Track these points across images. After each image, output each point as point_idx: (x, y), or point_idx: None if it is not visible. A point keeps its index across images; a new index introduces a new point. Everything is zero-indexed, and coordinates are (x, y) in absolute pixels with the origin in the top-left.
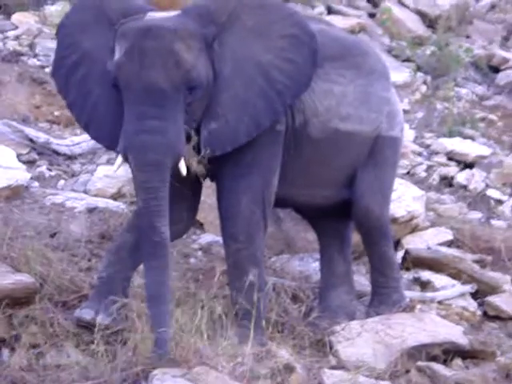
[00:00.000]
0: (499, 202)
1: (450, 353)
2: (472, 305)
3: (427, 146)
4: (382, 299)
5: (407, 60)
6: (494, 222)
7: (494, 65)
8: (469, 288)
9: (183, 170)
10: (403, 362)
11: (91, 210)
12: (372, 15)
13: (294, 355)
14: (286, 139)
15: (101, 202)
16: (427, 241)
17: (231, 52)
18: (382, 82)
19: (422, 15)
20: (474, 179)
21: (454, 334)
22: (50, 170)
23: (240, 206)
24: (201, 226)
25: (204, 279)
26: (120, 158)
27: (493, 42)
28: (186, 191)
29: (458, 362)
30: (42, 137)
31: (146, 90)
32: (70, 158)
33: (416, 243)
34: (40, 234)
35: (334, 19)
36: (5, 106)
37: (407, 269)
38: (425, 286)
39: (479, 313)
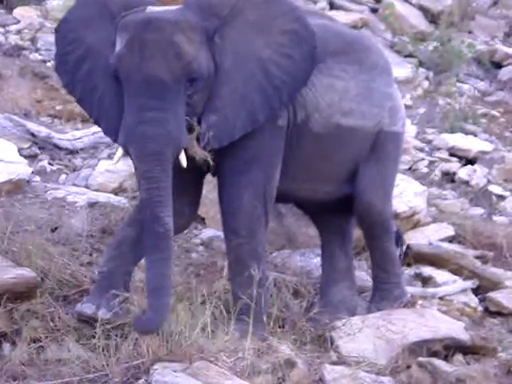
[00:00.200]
0: (501, 197)
1: (451, 348)
2: (473, 301)
3: (429, 142)
4: (383, 295)
5: (409, 55)
6: (495, 217)
7: (497, 60)
8: (470, 284)
9: (183, 162)
10: (404, 358)
11: (92, 205)
12: (374, 10)
13: (295, 350)
14: (288, 134)
15: (102, 197)
16: (429, 236)
17: (232, 46)
18: (385, 77)
19: (424, 11)
20: (476, 175)
21: (455, 329)
22: (51, 164)
23: (241, 200)
24: (202, 220)
25: (205, 274)
26: (120, 151)
27: (495, 37)
28: (187, 186)
29: (459, 357)
30: (43, 131)
31: (147, 82)
32: (72, 152)
33: (418, 239)
34: (41, 229)
35: (337, 14)
36: (6, 101)
37: (408, 264)
38: (426, 281)
39: (480, 309)
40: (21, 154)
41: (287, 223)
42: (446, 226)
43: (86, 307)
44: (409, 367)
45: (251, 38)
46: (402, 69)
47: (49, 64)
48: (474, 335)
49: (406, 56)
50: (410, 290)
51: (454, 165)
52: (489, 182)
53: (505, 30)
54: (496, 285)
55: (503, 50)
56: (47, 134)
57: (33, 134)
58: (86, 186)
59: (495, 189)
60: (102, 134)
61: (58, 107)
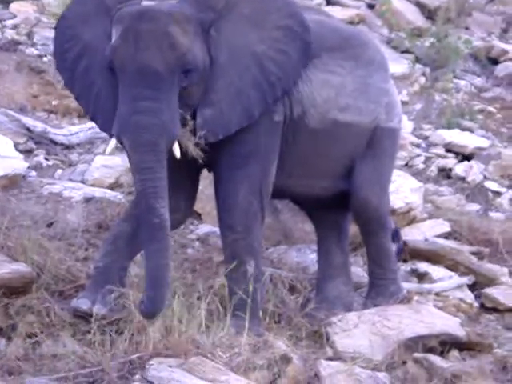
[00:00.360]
0: (497, 193)
1: (446, 344)
2: (469, 297)
3: (425, 138)
4: (379, 291)
5: (406, 51)
6: (491, 213)
7: (493, 57)
8: (466, 280)
9: (177, 153)
10: (400, 354)
11: (88, 200)
12: (371, 6)
13: (291, 346)
14: (284, 130)
15: (98, 192)
16: (425, 232)
17: (227, 39)
18: (381, 73)
19: (421, 7)
20: (472, 171)
21: (451, 325)
22: (47, 159)
23: (237, 196)
24: (198, 216)
25: (201, 269)
26: (113, 141)
27: (492, 33)
28: (183, 181)
29: (454, 353)
30: (39, 126)
31: (141, 72)
32: (68, 147)
33: (414, 235)
34: (37, 224)
35: (333, 10)
36: (2, 95)
37: (405, 260)
38: (422, 277)
39: (476, 305)
40: (17, 149)
41: (283, 219)
42: (442, 222)
43: (82, 302)
44: (404, 363)
45: (246, 32)
46: (398, 65)
47: (45, 59)
48: (470, 331)
49: (402, 52)
50: (405, 285)
51: (450, 161)
52: (485, 178)
53: (501, 26)
54: (492, 281)
55: (500, 46)
56: (43, 129)
57: (29, 129)
58: (82, 181)
59: (491, 185)
60: (98, 129)
61: (54, 102)
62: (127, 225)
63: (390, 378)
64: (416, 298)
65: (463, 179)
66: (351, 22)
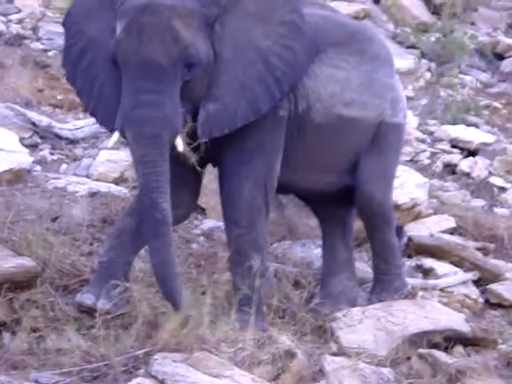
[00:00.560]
0: (502, 189)
1: (451, 340)
2: (474, 292)
3: (431, 133)
4: (383, 286)
5: (412, 47)
6: (496, 209)
7: (499, 52)
8: (471, 275)
9: (180, 147)
10: (404, 349)
11: (93, 195)
12: (377, 1)
13: (295, 341)
14: (289, 125)
15: (103, 187)
16: (430, 228)
17: (232, 35)
18: (386, 68)
19: (426, 2)
20: (478, 167)
21: (456, 321)
22: (52, 153)
23: (242, 191)
24: (203, 211)
25: (206, 265)
26: (116, 134)
27: (497, 29)
28: (187, 176)
29: (459, 349)
30: (44, 120)
31: (144, 65)
32: (73, 142)
33: (419, 230)
34: (42, 218)
35: (339, 5)
36: (7, 90)
37: (409, 256)
38: (427, 273)
39: (481, 300)
40: (22, 144)
41: (288, 214)
42: (447, 217)
43: (86, 297)
44: (409, 359)
45: (250, 28)
46: (404, 60)
47: (50, 53)
48: (475, 327)
49: (408, 47)
50: (410, 281)
51: (455, 156)
52: (490, 173)
53: (507, 22)
54: (497, 277)
55: (505, 42)
56: (48, 124)
57: (34, 124)
58: (87, 176)
59: (496, 180)
60: None
61: (59, 97)
62: (131, 219)
63: (394, 374)
64: (421, 293)
65: (468, 175)
66: (356, 17)
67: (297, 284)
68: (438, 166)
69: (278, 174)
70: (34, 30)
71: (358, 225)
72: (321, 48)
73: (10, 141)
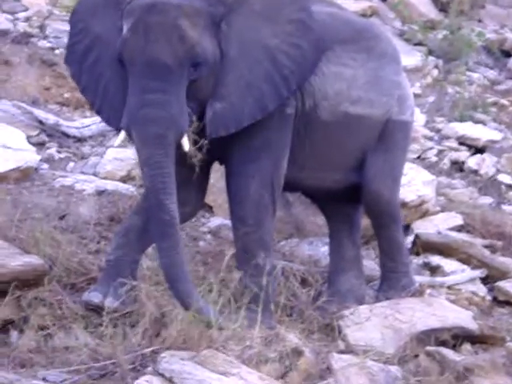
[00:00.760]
0: (510, 187)
1: (459, 338)
2: (482, 290)
3: (438, 131)
4: (391, 284)
5: (419, 44)
6: (504, 207)
7: (506, 49)
8: (479, 273)
9: (186, 146)
10: (412, 347)
11: (100, 193)
12: None
13: (303, 339)
14: (296, 122)
15: (110, 185)
16: (437, 225)
17: (238, 33)
18: (393, 65)
19: None
20: (485, 164)
21: (464, 318)
22: (59, 152)
23: (249, 189)
24: (210, 209)
25: (213, 262)
26: (123, 134)
27: (505, 26)
28: (194, 174)
29: (467, 347)
30: (51, 119)
31: (150, 65)
32: (80, 140)
33: (426, 228)
34: (49, 216)
35: (346, 2)
36: (15, 88)
37: (417, 253)
38: (434, 270)
39: (489, 298)
40: (29, 142)
41: (295, 212)
42: (455, 215)
43: (93, 296)
44: (417, 356)
45: (257, 27)
46: (411, 57)
47: (57, 51)
48: (483, 324)
49: (415, 44)
50: (418, 279)
51: (463, 154)
52: (498, 171)
53: None
54: (504, 274)
55: None
56: (55, 122)
57: (41, 122)
58: (94, 174)
59: (504, 178)
60: None
61: (66, 95)
62: (138, 218)
63: (401, 372)
64: (428, 291)
65: (476, 172)
66: (364, 15)
67: (304, 282)
68: (446, 163)
69: (285, 172)
70: (41, 28)
71: (365, 222)
72: (327, 45)
73: (17, 139)
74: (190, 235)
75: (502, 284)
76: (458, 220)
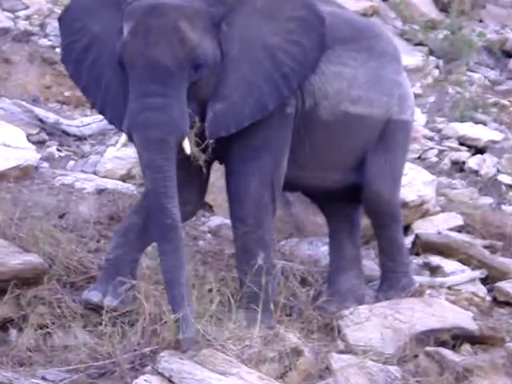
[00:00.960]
0: (510, 187)
1: (458, 338)
2: (482, 290)
3: (439, 131)
4: (391, 284)
5: (420, 44)
6: (504, 207)
7: (507, 49)
8: (479, 273)
9: (187, 149)
10: (412, 347)
11: (100, 192)
12: None
13: (302, 339)
14: (296, 122)
15: (110, 184)
16: (437, 226)
17: (239, 33)
18: (394, 65)
19: None
20: (486, 164)
21: (463, 319)
22: (59, 150)
23: (249, 188)
24: (210, 208)
25: (213, 262)
26: (124, 137)
27: (506, 26)
28: (194, 173)
29: (466, 347)
30: (51, 117)
31: (150, 67)
32: (80, 138)
33: (426, 228)
34: (49, 215)
35: (347, 2)
36: (15, 86)
37: (417, 254)
38: (434, 271)
39: (489, 298)
40: (29, 140)
41: (295, 211)
42: (455, 215)
43: (93, 295)
44: (416, 356)
45: (258, 25)
46: (412, 57)
47: (58, 50)
48: (482, 325)
49: (416, 44)
50: (418, 279)
51: (463, 154)
52: (498, 171)
53: None
54: (504, 274)
55: None
56: (56, 120)
57: (41, 120)
58: (94, 173)
59: (504, 178)
60: None
61: (66, 93)
62: (138, 217)
63: (401, 372)
64: (428, 291)
65: (476, 172)
66: (365, 14)
67: (304, 282)
68: (446, 163)
69: (285, 171)
70: (42, 26)
71: (365, 222)
72: (328, 45)
73: (17, 137)
74: (190, 234)
75: (501, 284)
76: (458, 220)
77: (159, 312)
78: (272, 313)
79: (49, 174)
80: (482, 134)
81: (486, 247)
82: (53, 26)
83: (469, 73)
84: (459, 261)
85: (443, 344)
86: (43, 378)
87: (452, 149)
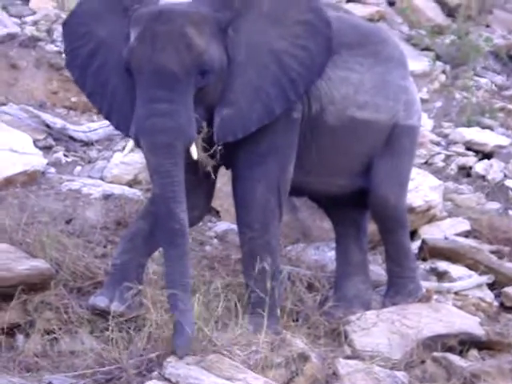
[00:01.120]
0: None
1: (466, 344)
2: (489, 296)
3: (445, 136)
4: (397, 289)
5: (426, 49)
6: (511, 212)
7: None
8: (486, 279)
9: (194, 154)
10: (419, 353)
11: (107, 197)
12: (391, 3)
13: (309, 344)
14: (303, 127)
15: (117, 189)
16: (444, 231)
17: (245, 38)
18: (400, 70)
19: (441, 4)
20: (493, 169)
21: (471, 324)
22: (66, 156)
23: (255, 194)
24: (217, 213)
25: (219, 267)
26: (131, 143)
27: None
28: (201, 178)
29: (473, 352)
30: (58, 123)
31: (157, 73)
32: (87, 144)
33: (433, 233)
34: (56, 220)
35: (353, 7)
36: (22, 92)
37: (424, 259)
38: (441, 276)
39: (496, 304)
40: (36, 146)
41: (302, 216)
42: (462, 220)
43: (99, 300)
44: (423, 362)
45: (265, 30)
46: (418, 62)
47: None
48: (490, 330)
49: (422, 49)
50: (425, 284)
51: (470, 159)
52: (505, 176)
53: None
54: None
55: None
56: (62, 126)
57: (48, 126)
58: (101, 178)
59: (511, 183)
60: None
61: (73, 99)
62: (144, 222)
63: (408, 377)
64: (435, 296)
65: (483, 177)
66: (371, 19)
67: (310, 287)
68: (453, 168)
69: (292, 177)
70: (49, 32)
71: (372, 227)
72: (334, 49)
73: (24, 143)
74: (197, 239)
75: (509, 290)
76: (465, 225)
77: (166, 317)
78: (278, 318)
79: (56, 179)
80: (489, 138)
81: (493, 252)
82: (60, 31)
83: (476, 78)
84: (466, 266)
85: (450, 349)
86: None
87: (459, 154)
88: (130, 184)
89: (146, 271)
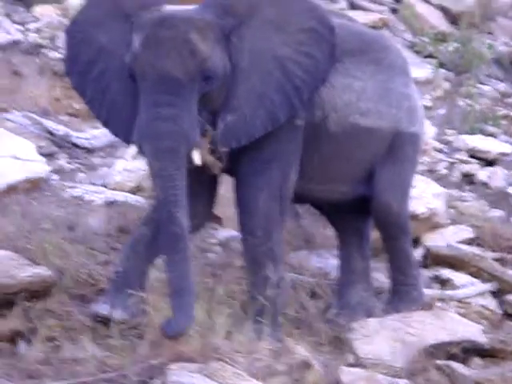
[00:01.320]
0: None
1: (469, 351)
2: (492, 303)
3: (449, 143)
4: (400, 297)
5: (429, 56)
6: None
7: None
8: (489, 286)
9: (197, 160)
10: (422, 360)
11: (110, 204)
12: (394, 11)
13: (312, 352)
14: (305, 134)
15: (119, 196)
16: (447, 238)
17: (249, 44)
18: (403, 77)
19: (444, 11)
20: (496, 177)
21: (474, 332)
22: (69, 163)
23: (258, 201)
24: (219, 220)
25: (222, 274)
26: (134, 148)
27: None
28: (203, 185)
29: (477, 360)
30: (61, 130)
31: (161, 79)
32: (90, 151)
33: (436, 240)
34: (58, 227)
35: (357, 14)
36: (25, 99)
37: (427, 266)
38: (444, 283)
39: (499, 311)
40: (39, 153)
41: (304, 224)
42: (465, 227)
43: (102, 307)
44: (426, 370)
45: (268, 37)
46: (421, 69)
47: None
48: (493, 338)
49: (425, 56)
50: (428, 292)
51: (473, 166)
52: (508, 184)
53: None
54: None
55: None
56: (65, 133)
57: (51, 133)
58: (104, 185)
59: None
60: None
61: (76, 106)
62: (147, 229)
63: None
64: (438, 304)
65: (486, 185)
66: (374, 27)
67: (313, 294)
68: (456, 175)
69: (294, 184)
70: (52, 39)
71: (374, 235)
72: (337, 57)
73: (27, 150)
74: (199, 247)
75: None
76: (469, 233)
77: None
78: (281, 325)
79: (58, 186)
80: (492, 146)
81: (496, 260)
82: (63, 38)
83: (479, 85)
84: (469, 274)
85: (453, 357)
86: None
87: (462, 161)
88: (133, 191)
89: (148, 278)
